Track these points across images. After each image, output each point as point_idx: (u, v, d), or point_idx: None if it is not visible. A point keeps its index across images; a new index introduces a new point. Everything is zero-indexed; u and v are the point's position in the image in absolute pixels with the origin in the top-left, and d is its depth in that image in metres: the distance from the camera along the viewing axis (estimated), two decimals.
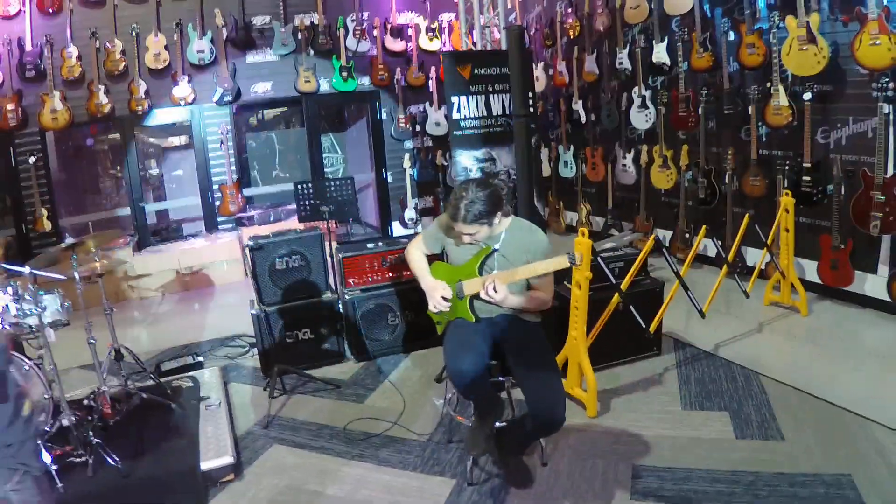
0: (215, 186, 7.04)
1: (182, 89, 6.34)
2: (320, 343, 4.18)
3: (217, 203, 7.07)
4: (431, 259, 2.85)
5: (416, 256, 2.80)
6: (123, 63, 6.17)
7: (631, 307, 3.36)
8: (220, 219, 7.19)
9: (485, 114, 4.61)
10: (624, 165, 5.76)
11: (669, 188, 5.39)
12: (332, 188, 4.90)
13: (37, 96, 5.95)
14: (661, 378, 3.49)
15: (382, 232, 8.12)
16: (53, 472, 2.79)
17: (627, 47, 5.59)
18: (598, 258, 3.28)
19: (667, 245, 5.59)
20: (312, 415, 3.51)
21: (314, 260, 4.12)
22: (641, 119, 5.48)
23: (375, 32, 6.98)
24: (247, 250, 3.72)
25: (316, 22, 6.79)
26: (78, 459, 2.89)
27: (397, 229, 7.78)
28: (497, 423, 2.63)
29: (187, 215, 7.66)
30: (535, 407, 2.34)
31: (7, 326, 2.88)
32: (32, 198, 6.14)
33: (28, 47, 5.89)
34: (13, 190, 6.22)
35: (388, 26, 7.02)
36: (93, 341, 3.23)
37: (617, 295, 3.33)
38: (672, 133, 5.28)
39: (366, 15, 6.99)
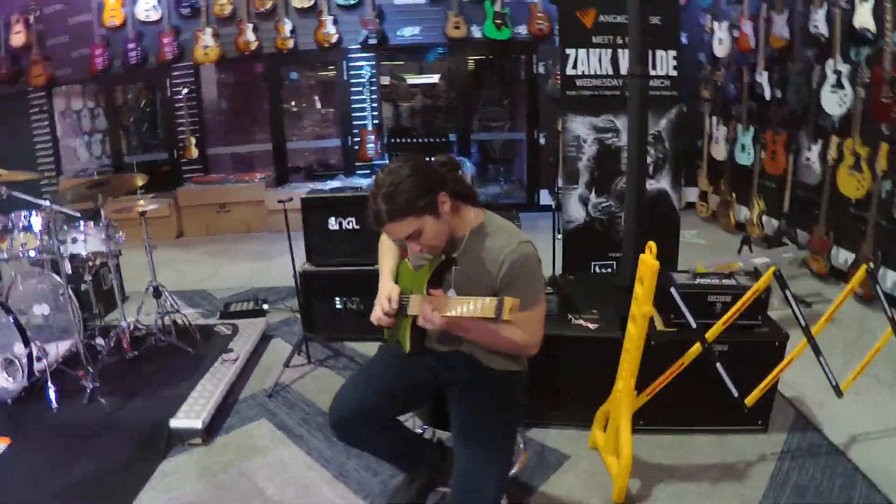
0: (355, 130, 6.93)
1: (327, 30, 6.20)
2: (368, 314, 3.77)
3: (356, 147, 6.97)
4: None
5: (383, 247, 2.10)
6: (271, 2, 6.18)
7: (718, 364, 2.40)
8: (357, 163, 7.11)
9: (609, 72, 3.66)
10: (808, 159, 4.36)
11: (860, 197, 3.94)
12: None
13: (191, 32, 6.23)
14: (746, 471, 2.46)
15: (529, 199, 7.49)
16: (53, 393, 2.83)
17: (825, 6, 4.13)
18: (674, 289, 2.36)
19: (846, 271, 4.19)
20: (318, 395, 3.16)
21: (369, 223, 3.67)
22: (834, 102, 4.03)
23: None
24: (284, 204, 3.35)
25: None
26: (87, 385, 2.89)
27: (546, 198, 7.04)
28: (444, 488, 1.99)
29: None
30: (455, 492, 1.65)
31: (30, 253, 2.88)
32: (183, 126, 6.55)
33: None
34: (167, 118, 6.69)
35: None
36: (114, 279, 3.17)
37: (698, 344, 2.39)
38: (872, 125, 3.78)
39: None
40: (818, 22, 4.16)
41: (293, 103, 8.07)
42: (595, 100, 3.73)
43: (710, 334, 2.40)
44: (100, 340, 3.21)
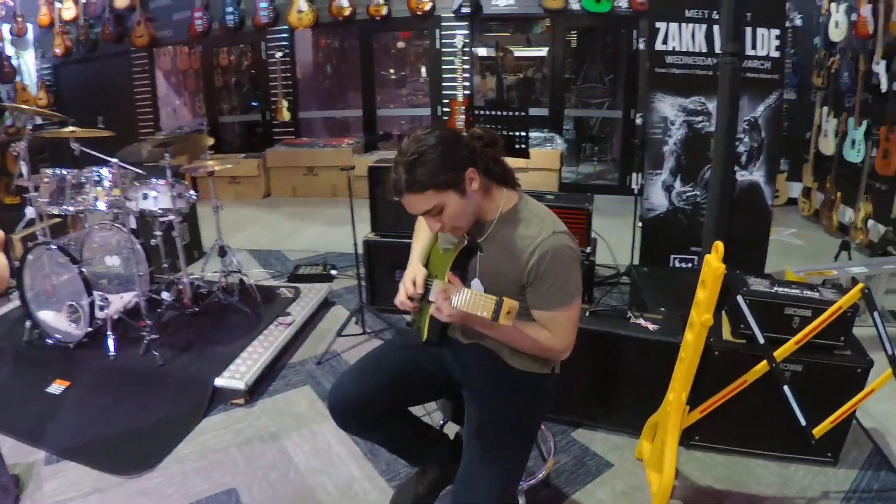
0: (446, 101, 6.82)
1: None
2: None
3: (445, 118, 6.87)
4: None
5: (419, 225, 1.97)
6: None
7: (786, 388, 2.12)
8: None
9: (703, 49, 3.29)
10: None
11: None
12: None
13: None
14: None
15: (621, 183, 7.11)
16: (111, 341, 2.98)
17: None
18: (741, 297, 2.10)
19: None
20: None
21: None
22: None
23: None
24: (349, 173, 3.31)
25: None
26: (146, 336, 3.01)
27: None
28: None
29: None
30: (452, 497, 1.54)
31: (99, 206, 3.03)
32: (276, 89, 6.71)
33: None
34: (262, 80, 6.86)
35: None
36: (178, 236, 3.26)
37: (765, 362, 2.11)
38: None
39: None
40: None
41: (391, 70, 8.05)
42: (685, 79, 3.41)
43: (781, 353, 2.12)
44: (165, 294, 3.34)
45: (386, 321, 3.51)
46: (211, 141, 3.31)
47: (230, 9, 6.37)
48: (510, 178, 1.65)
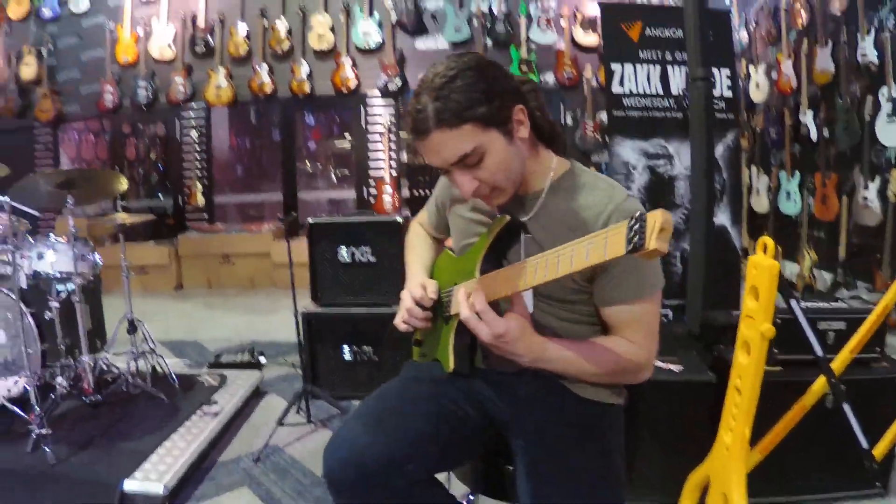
0: (371, 181, 6.55)
1: (345, 73, 5.93)
2: (384, 367, 3.16)
3: (371, 200, 6.56)
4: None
5: (413, 236, 1.56)
6: (288, 43, 5.93)
7: (845, 406, 1.80)
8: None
9: (659, 91, 3.24)
10: (865, 199, 3.90)
11: None
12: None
13: (204, 72, 5.96)
14: None
15: None
16: None
17: (872, 33, 3.90)
18: (793, 301, 1.81)
19: None
20: (318, 461, 2.49)
21: (387, 256, 3.14)
22: (892, 133, 3.67)
23: (563, 22, 5.92)
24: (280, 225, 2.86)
25: (494, 7, 5.95)
26: (35, 430, 2.29)
27: None
28: None
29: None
30: None
31: None
32: (190, 171, 6.21)
33: (201, 24, 5.94)
34: (174, 162, 6.37)
35: (579, 16, 5.90)
36: (76, 301, 2.62)
37: (824, 379, 1.80)
38: None
39: (553, 2, 5.97)
40: (866, 50, 3.93)
41: (307, 164, 7.81)
42: (645, 121, 3.31)
43: (837, 367, 1.82)
44: (60, 380, 2.64)
45: (335, 406, 2.96)
46: (125, 184, 2.75)
47: (143, 83, 5.93)
48: (560, 140, 1.28)
